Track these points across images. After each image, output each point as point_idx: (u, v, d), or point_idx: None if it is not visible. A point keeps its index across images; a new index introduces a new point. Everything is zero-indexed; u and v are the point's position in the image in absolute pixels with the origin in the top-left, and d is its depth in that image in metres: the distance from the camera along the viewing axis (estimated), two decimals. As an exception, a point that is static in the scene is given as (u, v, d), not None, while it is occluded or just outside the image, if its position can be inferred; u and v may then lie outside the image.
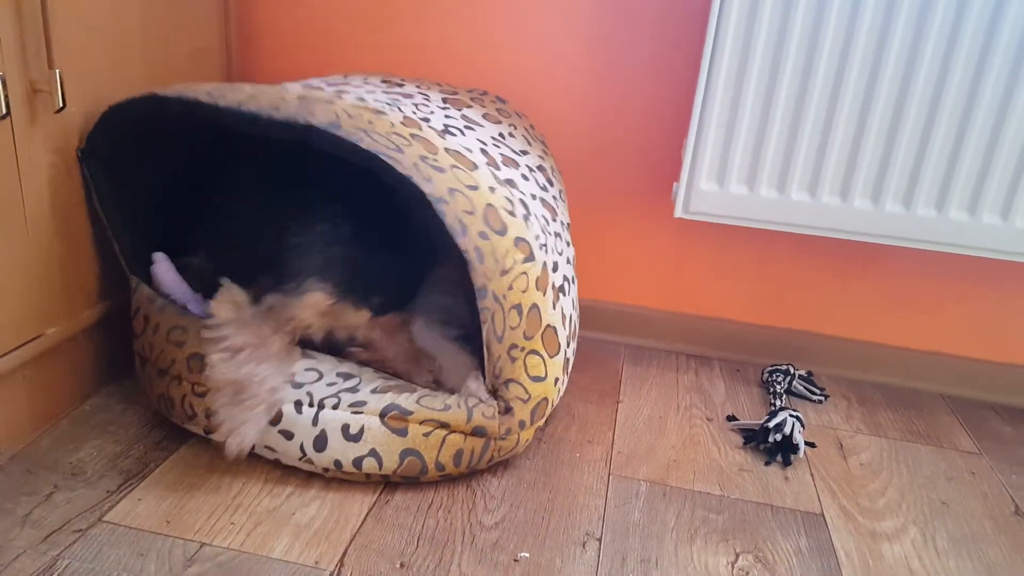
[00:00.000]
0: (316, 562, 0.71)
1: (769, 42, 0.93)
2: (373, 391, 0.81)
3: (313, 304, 0.82)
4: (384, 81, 1.02)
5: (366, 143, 0.76)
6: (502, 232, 0.78)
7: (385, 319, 0.89)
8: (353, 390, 0.81)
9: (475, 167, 0.82)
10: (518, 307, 0.79)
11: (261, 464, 0.84)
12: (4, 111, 0.75)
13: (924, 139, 0.94)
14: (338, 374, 0.83)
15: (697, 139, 0.99)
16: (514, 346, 0.81)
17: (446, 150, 0.81)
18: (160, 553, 0.70)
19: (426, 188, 0.76)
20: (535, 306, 0.81)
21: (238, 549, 0.72)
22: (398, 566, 0.71)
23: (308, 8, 1.17)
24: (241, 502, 0.78)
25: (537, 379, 0.83)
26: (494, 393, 0.82)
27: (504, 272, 0.78)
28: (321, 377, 0.82)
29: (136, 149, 0.90)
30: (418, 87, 1.02)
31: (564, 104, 1.15)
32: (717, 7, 0.93)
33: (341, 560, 0.71)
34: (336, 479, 0.82)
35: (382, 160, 0.76)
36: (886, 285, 1.15)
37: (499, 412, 0.82)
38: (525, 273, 0.80)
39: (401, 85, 1.01)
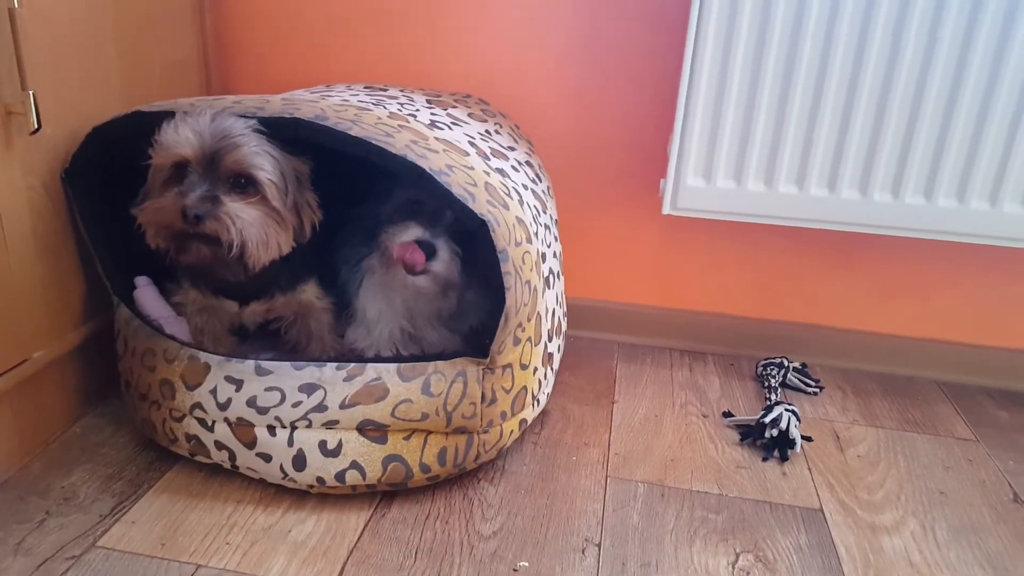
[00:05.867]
0: (314, 580, 0.70)
1: (751, 35, 0.93)
2: (342, 405, 0.77)
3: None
4: (367, 87, 1.01)
5: (355, 131, 0.76)
6: (504, 208, 0.77)
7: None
8: (320, 408, 0.77)
9: (467, 154, 0.81)
10: (528, 284, 0.78)
11: (255, 483, 0.83)
12: (-22, 135, 0.74)
13: (910, 127, 0.94)
14: (300, 388, 0.77)
15: (682, 135, 0.98)
16: (520, 326, 0.80)
17: (436, 139, 0.80)
18: (155, 578, 0.69)
19: (423, 163, 0.74)
20: (535, 289, 0.80)
21: (235, 570, 0.71)
22: (397, 581, 0.71)
23: (286, 17, 1.15)
24: (236, 521, 0.77)
25: (524, 367, 0.83)
26: (489, 367, 0.80)
27: (517, 244, 0.76)
28: (284, 398, 0.77)
29: (121, 168, 0.89)
30: (401, 90, 1.02)
31: (548, 104, 1.14)
32: (698, 1, 0.92)
33: (339, 577, 0.71)
34: (332, 495, 0.82)
35: (374, 144, 0.75)
36: (877, 274, 1.14)
37: (480, 403, 0.80)
38: (528, 252, 0.78)
39: (384, 89, 1.01)
